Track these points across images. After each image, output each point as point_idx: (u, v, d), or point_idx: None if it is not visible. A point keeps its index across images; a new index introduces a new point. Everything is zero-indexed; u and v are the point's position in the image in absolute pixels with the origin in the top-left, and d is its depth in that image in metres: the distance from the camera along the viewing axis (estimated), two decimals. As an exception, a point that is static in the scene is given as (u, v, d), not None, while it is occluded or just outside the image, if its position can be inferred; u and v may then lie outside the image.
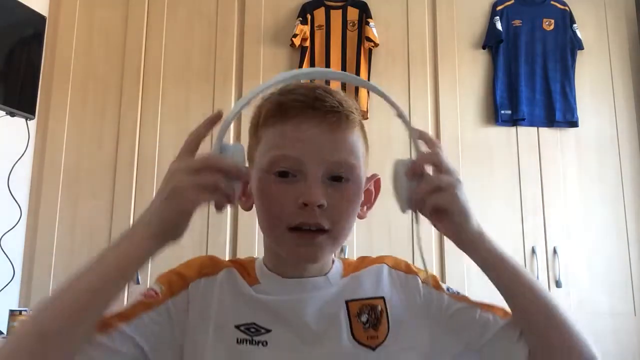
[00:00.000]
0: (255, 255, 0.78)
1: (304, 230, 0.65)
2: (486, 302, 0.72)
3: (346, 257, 2.16)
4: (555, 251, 2.27)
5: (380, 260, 0.76)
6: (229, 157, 0.61)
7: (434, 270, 2.24)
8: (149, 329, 0.65)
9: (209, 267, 0.73)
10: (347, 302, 0.69)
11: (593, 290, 2.25)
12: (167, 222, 0.61)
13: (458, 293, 0.73)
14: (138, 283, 2.22)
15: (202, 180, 0.59)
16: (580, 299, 2.24)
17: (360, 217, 0.73)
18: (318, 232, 0.65)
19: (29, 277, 2.23)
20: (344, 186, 0.67)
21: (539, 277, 2.23)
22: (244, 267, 0.74)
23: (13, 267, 2.14)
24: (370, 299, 0.70)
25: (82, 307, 0.58)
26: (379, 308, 0.70)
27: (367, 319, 0.68)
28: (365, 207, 0.75)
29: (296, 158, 0.65)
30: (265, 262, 0.75)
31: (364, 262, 0.76)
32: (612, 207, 2.33)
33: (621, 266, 2.28)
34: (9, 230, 2.12)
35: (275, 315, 0.68)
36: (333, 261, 0.76)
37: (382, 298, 0.71)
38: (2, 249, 2.09)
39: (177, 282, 0.71)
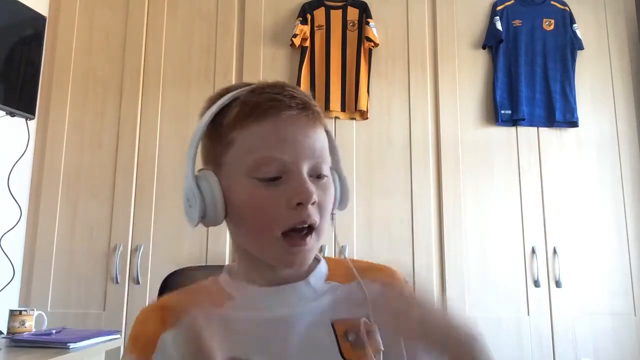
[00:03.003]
0: None
1: (295, 235, 0.63)
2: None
3: (346, 256, 2.15)
4: (555, 251, 2.27)
5: (371, 272, 0.72)
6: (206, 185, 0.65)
7: (434, 270, 2.24)
8: None
9: (167, 316, 0.67)
10: (332, 324, 0.66)
11: (593, 290, 2.26)
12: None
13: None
14: (138, 283, 2.23)
15: None
16: (580, 299, 2.24)
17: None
18: (308, 236, 0.63)
19: (29, 277, 2.23)
20: (323, 182, 0.66)
21: (539, 277, 2.24)
22: (203, 293, 0.71)
23: (13, 267, 2.14)
24: (356, 318, 0.67)
25: None
26: (366, 326, 0.67)
27: (355, 338, 0.66)
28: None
29: (280, 158, 0.63)
30: (238, 273, 0.71)
31: (351, 272, 0.72)
32: (612, 207, 2.33)
33: (621, 266, 2.28)
34: (9, 230, 2.12)
35: (256, 339, 0.64)
36: (316, 259, 0.73)
37: (368, 316, 0.67)
38: (2, 249, 2.09)
39: (144, 347, 0.66)
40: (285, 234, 0.63)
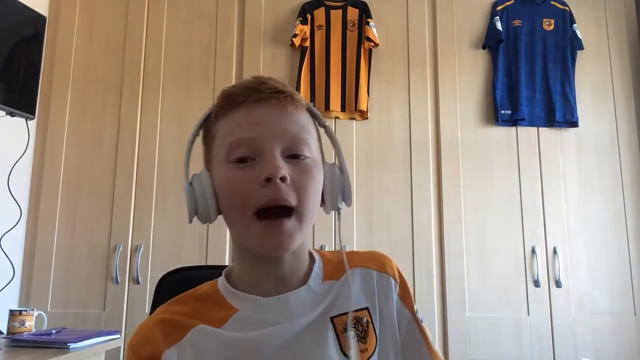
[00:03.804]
0: None
1: (271, 218, 0.63)
2: (433, 346, 0.73)
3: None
4: (555, 251, 2.27)
5: (364, 261, 0.74)
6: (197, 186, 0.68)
7: (434, 270, 2.24)
8: None
9: (171, 332, 0.67)
10: (332, 319, 0.67)
11: (593, 290, 2.26)
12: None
13: (422, 320, 0.73)
14: (138, 283, 2.23)
15: None
16: (580, 299, 2.24)
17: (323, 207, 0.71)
18: (285, 217, 0.63)
19: (29, 277, 2.23)
20: (303, 162, 0.66)
21: (539, 277, 2.24)
22: (205, 303, 0.70)
23: (13, 267, 2.14)
24: (355, 311, 0.68)
25: None
26: (365, 319, 0.68)
27: (354, 332, 0.66)
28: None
29: (252, 139, 0.65)
30: (238, 279, 0.71)
31: (347, 262, 0.72)
32: (612, 207, 2.33)
33: (621, 266, 2.28)
34: (9, 230, 2.12)
35: (262, 355, 0.65)
36: (312, 258, 0.73)
37: (367, 308, 0.69)
38: (2, 249, 2.09)
39: None
40: (261, 217, 0.63)
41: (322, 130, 0.75)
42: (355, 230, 2.26)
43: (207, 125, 0.72)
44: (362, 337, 0.67)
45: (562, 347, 2.19)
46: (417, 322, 0.72)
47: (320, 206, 0.71)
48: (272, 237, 0.64)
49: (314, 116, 0.73)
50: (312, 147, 0.68)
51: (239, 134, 0.66)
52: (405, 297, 0.73)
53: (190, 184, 0.68)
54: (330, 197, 0.70)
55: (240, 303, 0.68)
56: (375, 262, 0.74)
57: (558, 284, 2.24)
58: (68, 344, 1.54)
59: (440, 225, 2.29)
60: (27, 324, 1.75)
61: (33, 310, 1.81)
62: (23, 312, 1.76)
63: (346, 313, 0.68)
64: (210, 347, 0.65)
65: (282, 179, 0.62)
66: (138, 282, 2.22)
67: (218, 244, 2.24)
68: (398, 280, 0.73)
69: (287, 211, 0.64)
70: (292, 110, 0.68)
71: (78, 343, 1.57)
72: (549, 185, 2.34)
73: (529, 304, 2.23)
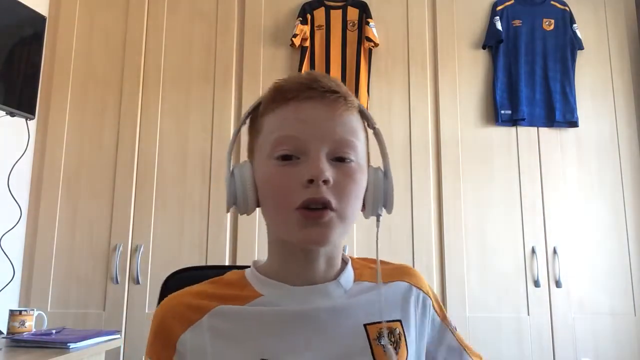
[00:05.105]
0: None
1: (310, 209, 0.63)
2: (471, 347, 0.77)
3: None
4: (555, 251, 2.27)
5: (399, 275, 0.74)
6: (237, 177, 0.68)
7: (434, 270, 2.24)
8: None
9: (189, 313, 0.67)
10: (365, 326, 0.67)
11: (593, 290, 2.26)
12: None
13: (455, 328, 0.76)
14: (138, 283, 2.23)
15: None
16: (580, 299, 2.24)
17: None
18: (325, 209, 0.63)
19: (29, 277, 2.23)
20: (348, 166, 0.65)
21: (539, 277, 2.24)
22: (230, 286, 0.70)
23: (13, 267, 2.14)
24: (388, 322, 0.68)
25: None
26: (398, 331, 0.68)
27: (387, 342, 0.67)
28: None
29: (298, 138, 0.64)
30: (267, 270, 0.71)
31: (382, 273, 0.73)
32: (612, 207, 2.33)
33: (621, 266, 2.28)
34: (9, 230, 2.12)
35: (285, 338, 0.65)
36: (344, 261, 0.73)
37: (400, 321, 0.69)
38: (2, 249, 2.09)
39: (164, 351, 0.67)
40: (300, 211, 0.63)
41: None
42: (355, 230, 2.26)
43: (254, 116, 0.72)
44: (395, 348, 0.67)
45: (562, 347, 2.19)
46: (452, 331, 0.75)
47: (360, 210, 0.70)
48: (312, 227, 0.63)
49: (364, 117, 0.72)
50: (359, 150, 0.67)
51: (286, 131, 0.65)
52: (440, 311, 0.75)
53: (232, 174, 0.68)
54: (372, 202, 0.69)
55: (266, 289, 0.68)
56: (411, 277, 0.74)
57: (558, 284, 2.24)
58: (68, 344, 1.54)
59: (440, 225, 2.29)
60: (27, 324, 1.75)
61: (33, 310, 1.81)
62: (23, 312, 1.76)
63: (380, 322, 0.68)
64: (233, 323, 0.66)
65: (325, 181, 0.62)
66: (138, 282, 2.22)
67: (218, 244, 2.24)
68: (432, 297, 0.75)
69: (326, 208, 0.63)
70: (342, 112, 0.67)
71: (78, 343, 1.57)
72: (549, 185, 2.34)
73: (529, 304, 2.23)
